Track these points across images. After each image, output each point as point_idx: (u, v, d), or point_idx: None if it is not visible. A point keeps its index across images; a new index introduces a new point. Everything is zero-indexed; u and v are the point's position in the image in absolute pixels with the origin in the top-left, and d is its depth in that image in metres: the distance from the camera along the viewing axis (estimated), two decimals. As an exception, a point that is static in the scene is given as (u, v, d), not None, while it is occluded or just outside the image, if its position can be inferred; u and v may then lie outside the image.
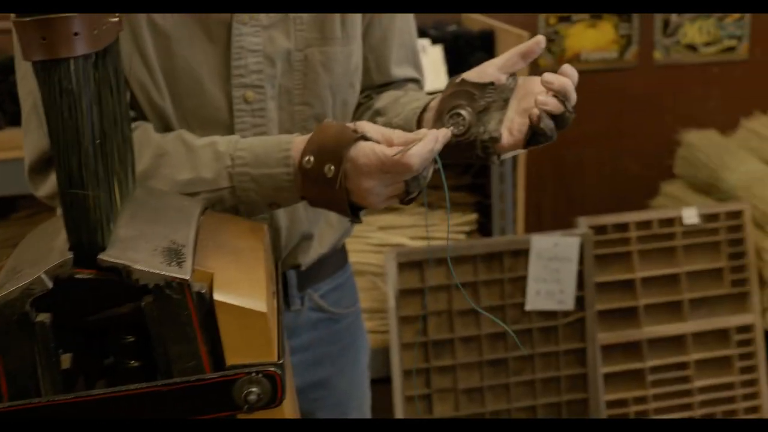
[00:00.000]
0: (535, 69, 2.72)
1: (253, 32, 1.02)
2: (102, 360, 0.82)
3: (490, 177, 2.27)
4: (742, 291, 2.50)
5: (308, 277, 1.20)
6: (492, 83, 0.97)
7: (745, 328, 2.50)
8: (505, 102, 0.98)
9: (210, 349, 0.75)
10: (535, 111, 0.92)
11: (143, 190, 0.90)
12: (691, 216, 2.48)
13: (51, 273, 0.73)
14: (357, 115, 1.17)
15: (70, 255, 0.74)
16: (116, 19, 0.76)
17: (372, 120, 1.11)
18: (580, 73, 0.95)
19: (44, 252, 0.76)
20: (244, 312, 0.74)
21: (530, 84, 0.97)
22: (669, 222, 2.48)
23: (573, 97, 0.93)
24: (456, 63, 2.40)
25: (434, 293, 2.28)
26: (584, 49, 2.79)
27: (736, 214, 2.50)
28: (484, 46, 2.40)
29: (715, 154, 2.74)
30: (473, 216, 2.41)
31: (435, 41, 2.39)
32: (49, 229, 0.81)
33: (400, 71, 1.15)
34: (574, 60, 2.77)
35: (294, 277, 1.18)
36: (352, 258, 2.36)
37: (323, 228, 1.18)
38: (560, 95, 0.92)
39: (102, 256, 0.73)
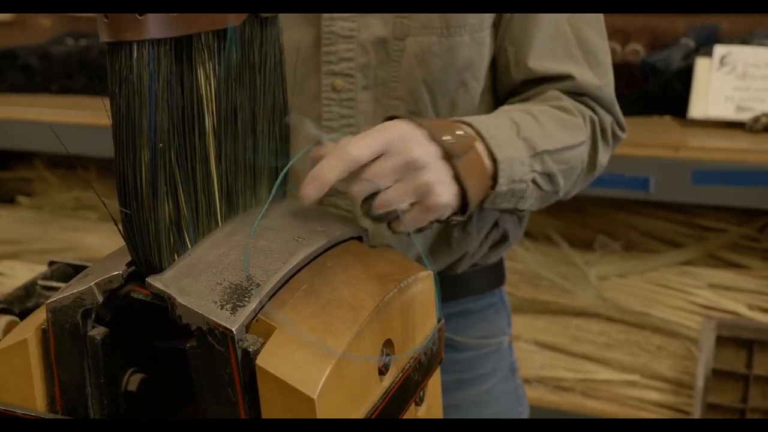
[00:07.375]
0: None
1: (347, 16, 1.02)
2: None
3: None
4: None
5: None
6: None
7: None
8: None
9: (255, 418, 0.69)
10: None
11: (285, 204, 0.85)
12: None
13: (101, 286, 0.71)
14: None
15: (120, 270, 0.72)
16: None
17: None
18: None
19: (113, 262, 0.75)
20: (288, 390, 0.65)
21: None
22: None
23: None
24: None
25: (761, 385, 1.98)
26: None
27: None
28: None
29: None
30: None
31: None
32: None
33: (541, 65, 1.05)
34: None
35: None
36: (668, 314, 2.14)
37: (436, 245, 1.14)
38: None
39: (149, 280, 0.70)
